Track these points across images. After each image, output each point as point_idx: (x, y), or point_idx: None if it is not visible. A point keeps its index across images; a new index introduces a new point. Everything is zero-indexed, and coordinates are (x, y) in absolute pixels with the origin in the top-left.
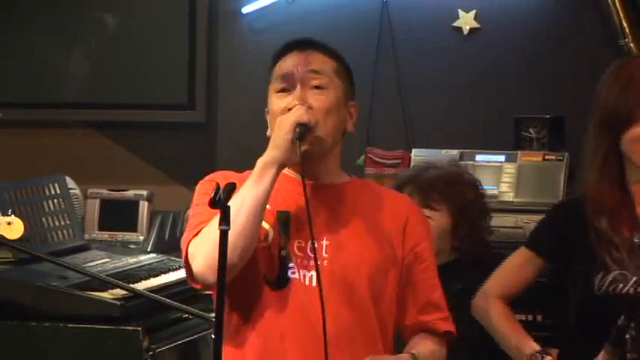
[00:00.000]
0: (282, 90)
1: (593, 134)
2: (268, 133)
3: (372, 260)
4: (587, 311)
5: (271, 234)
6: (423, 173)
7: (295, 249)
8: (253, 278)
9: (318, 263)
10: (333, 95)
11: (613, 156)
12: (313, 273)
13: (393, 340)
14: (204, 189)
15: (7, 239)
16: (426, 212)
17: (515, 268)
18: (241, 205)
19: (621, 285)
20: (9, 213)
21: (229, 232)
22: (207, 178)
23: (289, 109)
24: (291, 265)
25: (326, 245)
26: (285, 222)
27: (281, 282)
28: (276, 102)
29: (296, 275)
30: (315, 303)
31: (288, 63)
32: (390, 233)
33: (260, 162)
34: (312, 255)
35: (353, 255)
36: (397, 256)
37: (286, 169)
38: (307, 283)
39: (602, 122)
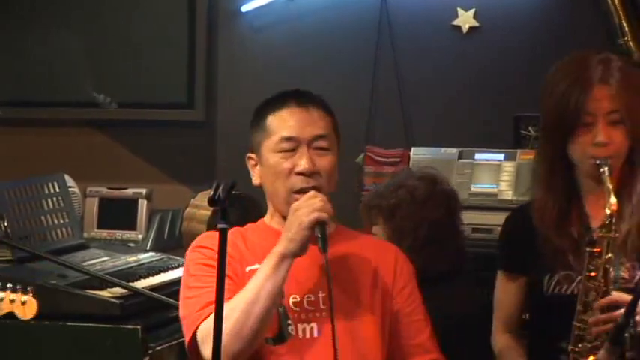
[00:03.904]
0: (285, 150)
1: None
2: (255, 181)
3: (365, 311)
4: (540, 311)
5: None
6: (387, 200)
7: (290, 304)
8: None
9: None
10: (334, 155)
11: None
12: (314, 325)
13: None
14: (197, 257)
15: (9, 240)
16: (374, 229)
17: (502, 296)
18: (257, 296)
19: (565, 286)
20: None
21: (245, 321)
22: (196, 243)
23: (297, 173)
24: (289, 321)
25: (322, 297)
26: None
27: (281, 337)
28: (280, 162)
29: (293, 330)
30: (319, 352)
31: (291, 123)
32: (377, 281)
33: (276, 253)
34: (309, 308)
35: (348, 306)
36: (384, 304)
37: (271, 220)
38: (308, 335)
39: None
